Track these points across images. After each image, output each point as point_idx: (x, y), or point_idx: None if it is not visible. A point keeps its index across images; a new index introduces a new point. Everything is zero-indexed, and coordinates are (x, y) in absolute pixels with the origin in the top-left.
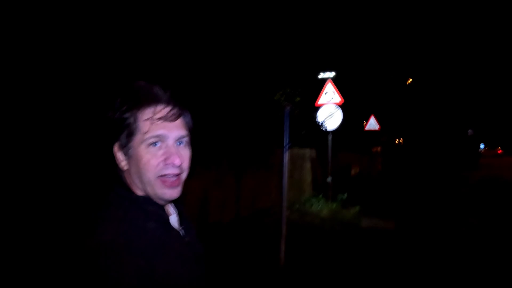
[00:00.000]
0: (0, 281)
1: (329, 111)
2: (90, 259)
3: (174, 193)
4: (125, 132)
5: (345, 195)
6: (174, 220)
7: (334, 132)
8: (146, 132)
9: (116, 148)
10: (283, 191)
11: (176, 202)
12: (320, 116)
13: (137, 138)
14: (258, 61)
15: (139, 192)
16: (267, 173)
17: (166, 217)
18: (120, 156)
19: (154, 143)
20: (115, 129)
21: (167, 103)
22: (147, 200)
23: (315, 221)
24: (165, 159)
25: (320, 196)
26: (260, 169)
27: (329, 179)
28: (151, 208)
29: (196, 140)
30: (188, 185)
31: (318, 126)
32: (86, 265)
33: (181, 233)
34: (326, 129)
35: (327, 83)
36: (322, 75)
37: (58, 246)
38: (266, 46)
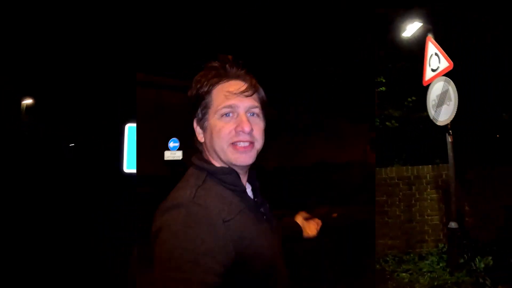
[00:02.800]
0: None
1: (439, 91)
2: (168, 212)
3: (247, 158)
4: (201, 106)
5: (489, 259)
6: (249, 192)
7: (454, 128)
8: (218, 104)
9: (195, 123)
10: None
11: (251, 178)
12: (430, 103)
13: (211, 111)
14: None
15: (217, 164)
16: None
17: (243, 187)
18: (198, 129)
19: (227, 114)
20: (193, 105)
21: (243, 79)
22: (225, 170)
23: None
24: (236, 127)
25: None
26: None
27: (452, 225)
28: (229, 178)
29: None
30: None
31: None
32: (164, 219)
33: (256, 203)
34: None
35: (427, 42)
36: (409, 29)
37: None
38: None
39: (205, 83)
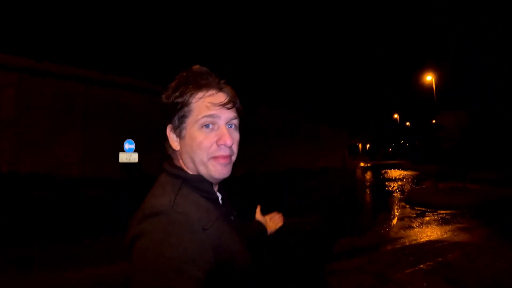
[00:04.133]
0: None
1: None
2: (147, 220)
3: (226, 171)
4: (178, 114)
5: None
6: (220, 201)
7: None
8: (198, 114)
9: (169, 129)
10: None
11: (220, 187)
12: None
13: (190, 120)
14: None
15: (190, 172)
16: None
17: (216, 195)
18: (173, 136)
19: (207, 125)
20: (169, 111)
21: (224, 90)
22: (199, 178)
23: None
24: (218, 140)
25: None
26: None
27: None
28: (204, 185)
29: None
30: None
31: None
32: (142, 227)
33: (227, 211)
34: None
35: None
36: None
37: None
38: None
39: (184, 91)
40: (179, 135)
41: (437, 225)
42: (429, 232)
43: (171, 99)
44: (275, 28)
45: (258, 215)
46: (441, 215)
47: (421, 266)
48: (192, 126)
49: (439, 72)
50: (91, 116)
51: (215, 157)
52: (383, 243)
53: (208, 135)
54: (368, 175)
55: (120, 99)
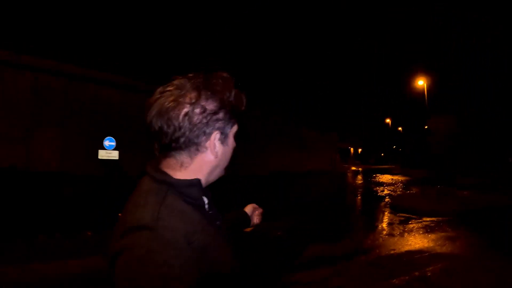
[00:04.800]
0: None
1: None
2: (130, 235)
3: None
4: (231, 122)
5: None
6: (206, 205)
7: None
8: (237, 124)
9: (218, 136)
10: None
11: (206, 190)
12: None
13: (234, 129)
14: None
15: (190, 177)
16: None
17: (203, 201)
18: (217, 144)
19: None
20: (220, 118)
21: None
22: (189, 183)
23: None
24: None
25: None
26: None
27: None
28: (193, 191)
29: None
30: None
31: None
32: (127, 243)
33: (213, 217)
34: None
35: None
36: None
37: None
38: None
39: (234, 97)
40: (224, 142)
41: (420, 234)
42: (410, 241)
43: (226, 105)
44: (262, 28)
45: (248, 208)
46: (425, 222)
47: (394, 281)
48: (232, 134)
49: (431, 77)
50: (71, 112)
51: None
52: (357, 252)
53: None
54: (357, 179)
55: (102, 95)
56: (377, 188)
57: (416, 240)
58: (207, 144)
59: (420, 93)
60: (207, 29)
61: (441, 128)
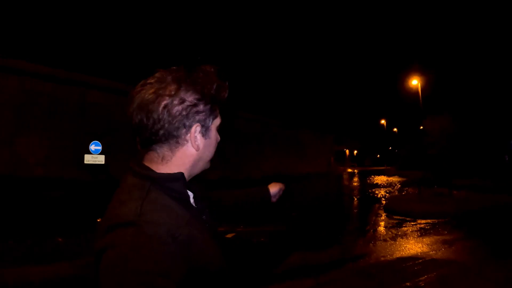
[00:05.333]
0: None
1: None
2: (113, 232)
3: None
4: (213, 113)
5: None
6: (192, 199)
7: None
8: (220, 116)
9: (198, 128)
10: None
11: (191, 185)
12: None
13: (216, 121)
14: None
15: (173, 170)
16: None
17: (187, 195)
18: (199, 137)
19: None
20: (201, 110)
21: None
22: (173, 177)
23: None
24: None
25: None
26: None
27: None
28: (176, 185)
29: None
30: None
31: None
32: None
33: (198, 211)
34: None
35: None
36: None
37: None
38: None
39: (216, 90)
40: (205, 135)
41: (414, 238)
42: (403, 246)
43: (208, 98)
44: (256, 30)
45: (273, 185)
46: (420, 225)
47: None
48: (215, 126)
49: (425, 77)
50: (56, 116)
51: None
52: (344, 260)
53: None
54: (352, 181)
55: (87, 99)
56: (372, 190)
57: (410, 245)
58: (188, 137)
59: (415, 93)
60: (198, 30)
61: (436, 128)
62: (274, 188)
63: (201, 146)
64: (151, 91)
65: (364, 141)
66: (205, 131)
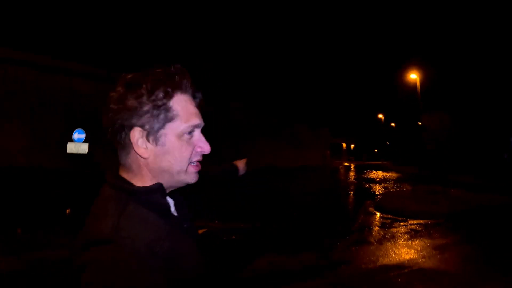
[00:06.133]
0: None
1: None
2: (91, 249)
3: (196, 177)
4: (157, 118)
5: None
6: (172, 208)
7: None
8: (187, 120)
9: (138, 133)
10: None
11: (173, 191)
12: None
13: (172, 126)
14: None
15: (148, 181)
16: None
17: (167, 206)
18: (141, 142)
19: (190, 132)
20: (140, 113)
21: (197, 95)
22: (150, 189)
23: None
24: (195, 147)
25: None
26: None
27: None
28: (154, 197)
29: None
30: None
31: None
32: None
33: (179, 220)
34: None
35: None
36: None
37: None
38: None
39: (169, 94)
40: (155, 141)
41: (402, 241)
42: (389, 251)
43: (149, 99)
44: (252, 23)
45: (238, 162)
46: (412, 226)
47: None
48: (174, 132)
49: (424, 72)
50: (40, 103)
51: (191, 164)
52: (319, 267)
53: (189, 142)
54: (347, 175)
55: (72, 87)
56: (366, 185)
57: (397, 250)
58: (129, 141)
59: (413, 88)
60: (188, 20)
61: (434, 124)
62: (240, 165)
63: (150, 154)
64: (108, 96)
65: (361, 136)
66: (154, 137)
